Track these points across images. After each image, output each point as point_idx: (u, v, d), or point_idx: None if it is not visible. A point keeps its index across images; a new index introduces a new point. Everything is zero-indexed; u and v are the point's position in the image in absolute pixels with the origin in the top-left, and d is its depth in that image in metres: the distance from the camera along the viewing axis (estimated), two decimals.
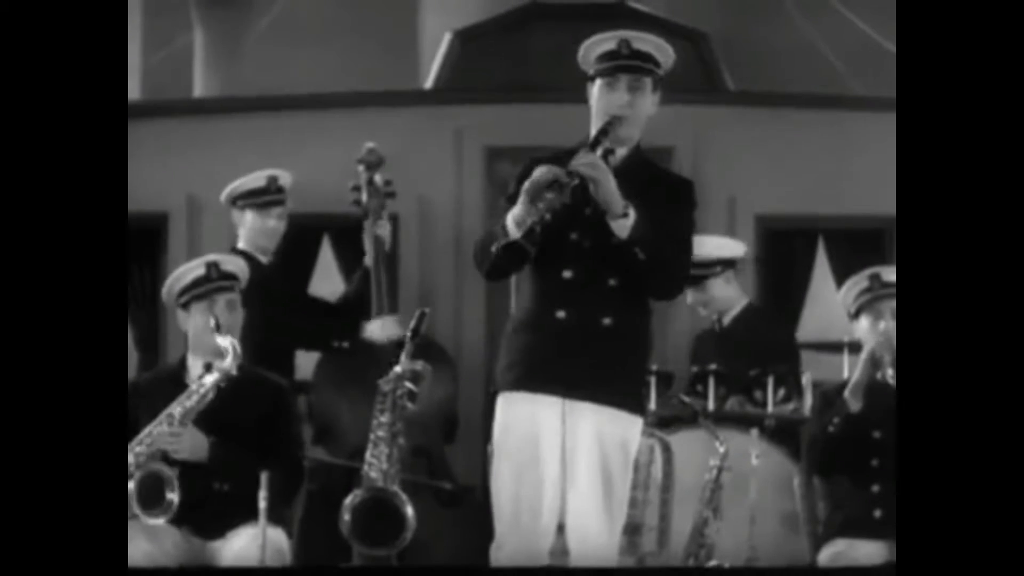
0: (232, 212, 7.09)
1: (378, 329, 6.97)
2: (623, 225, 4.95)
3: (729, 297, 7.30)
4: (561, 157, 5.10)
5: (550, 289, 5.03)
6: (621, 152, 5.12)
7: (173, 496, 5.44)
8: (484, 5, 9.18)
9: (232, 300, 5.85)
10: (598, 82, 5.14)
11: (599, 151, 5.01)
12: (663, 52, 5.17)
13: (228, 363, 5.62)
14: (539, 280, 5.10)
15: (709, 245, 7.15)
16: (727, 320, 7.30)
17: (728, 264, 7.27)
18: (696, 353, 7.36)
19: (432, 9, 11.89)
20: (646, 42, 5.16)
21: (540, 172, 4.90)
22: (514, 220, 4.92)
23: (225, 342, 5.63)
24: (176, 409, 5.58)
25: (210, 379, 5.63)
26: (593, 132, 5.08)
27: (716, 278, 7.24)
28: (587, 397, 5.03)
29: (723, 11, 11.67)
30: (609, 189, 4.93)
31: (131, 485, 5.42)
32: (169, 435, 5.54)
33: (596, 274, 5.04)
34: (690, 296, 7.19)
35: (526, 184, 4.90)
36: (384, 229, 7.13)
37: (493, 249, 4.97)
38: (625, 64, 5.11)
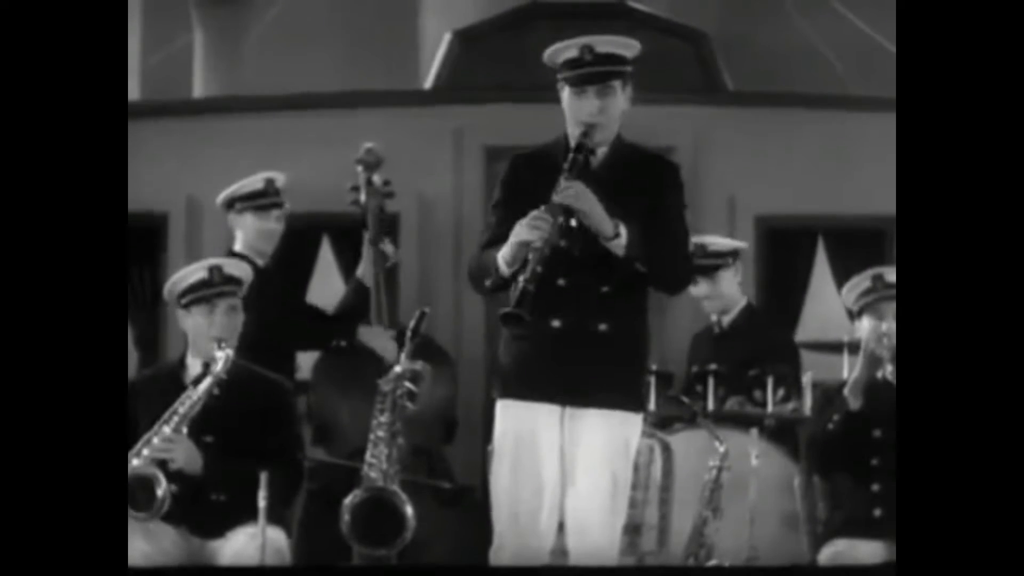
0: (228, 216, 7.07)
1: (371, 337, 6.96)
2: (618, 245, 4.96)
3: (734, 295, 7.28)
4: (543, 151, 5.12)
5: (544, 297, 5.02)
6: (602, 150, 5.11)
7: (162, 491, 5.44)
8: (484, 5, 9.18)
9: (233, 305, 5.85)
10: (567, 89, 5.12)
11: (580, 160, 4.99)
12: (628, 48, 5.13)
13: (219, 368, 5.62)
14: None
15: (721, 240, 7.18)
16: (727, 321, 7.29)
17: (736, 256, 7.25)
18: (693, 354, 7.35)
19: (432, 9, 11.87)
20: (609, 43, 5.12)
21: (524, 233, 4.90)
22: (505, 262, 4.96)
23: (220, 354, 5.63)
24: (169, 417, 5.57)
25: (202, 386, 5.62)
26: (570, 136, 5.07)
27: (727, 270, 7.21)
28: (586, 403, 5.04)
29: (723, 11, 11.66)
30: (596, 215, 4.95)
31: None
32: (164, 444, 5.54)
33: (588, 281, 5.04)
34: (701, 288, 7.17)
35: (513, 235, 4.90)
36: (390, 248, 7.13)
37: (489, 284, 5.02)
38: (590, 72, 5.08)
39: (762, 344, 7.15)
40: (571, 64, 5.10)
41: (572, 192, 4.93)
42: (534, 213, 4.92)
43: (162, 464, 5.51)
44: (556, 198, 4.92)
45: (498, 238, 5.03)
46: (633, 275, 5.01)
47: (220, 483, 5.61)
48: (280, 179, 7.05)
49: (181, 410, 5.59)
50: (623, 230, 4.95)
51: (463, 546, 6.75)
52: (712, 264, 7.14)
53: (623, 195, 5.00)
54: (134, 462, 5.49)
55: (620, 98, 5.12)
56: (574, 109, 5.10)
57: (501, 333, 5.21)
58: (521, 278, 4.89)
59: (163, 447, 5.52)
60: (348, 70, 11.84)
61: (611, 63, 5.09)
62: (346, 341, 7.00)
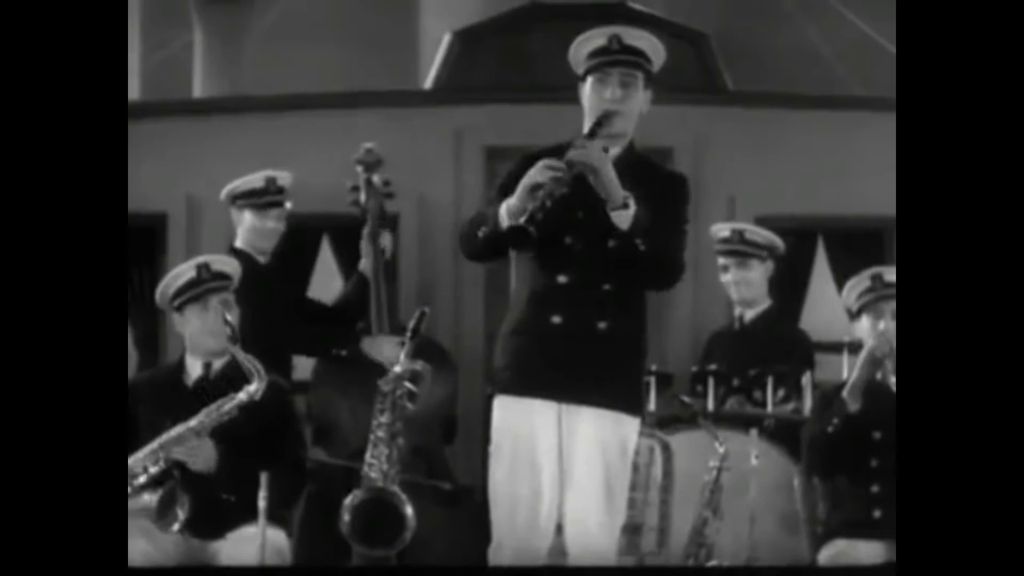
0: (231, 210, 7.08)
1: (375, 349, 6.94)
2: (624, 216, 4.93)
3: (762, 291, 7.25)
4: (555, 153, 5.10)
5: (545, 294, 5.02)
6: (615, 150, 5.10)
7: (182, 513, 5.47)
8: (484, 6, 9.19)
9: (226, 300, 5.86)
10: (590, 79, 5.12)
11: (599, 133, 5.00)
12: (654, 49, 5.16)
13: (255, 387, 5.60)
14: (534, 285, 5.08)
15: (764, 231, 7.17)
16: (749, 316, 7.25)
17: (773, 255, 7.23)
18: (710, 351, 7.32)
19: (432, 10, 11.90)
20: (637, 38, 5.14)
21: (538, 168, 4.90)
22: (508, 211, 4.90)
23: (250, 365, 5.60)
24: (196, 423, 5.58)
25: (236, 400, 5.62)
26: (587, 127, 5.07)
27: (760, 262, 7.20)
28: (584, 401, 5.03)
29: (723, 11, 11.69)
30: (609, 178, 4.92)
31: (150, 498, 5.48)
32: (187, 448, 5.55)
33: (591, 278, 5.03)
34: (730, 274, 7.16)
35: (525, 179, 4.90)
36: (386, 241, 7.11)
37: (481, 234, 4.96)
38: (617, 59, 5.10)
39: (781, 344, 7.13)
40: (598, 52, 5.11)
41: (588, 149, 4.93)
42: (546, 160, 4.91)
43: (180, 466, 5.53)
44: (572, 152, 4.91)
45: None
46: (630, 257, 4.97)
47: (227, 484, 5.61)
48: (284, 178, 7.03)
49: (208, 420, 5.59)
50: (632, 202, 4.94)
51: (463, 546, 6.75)
52: (744, 251, 7.13)
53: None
54: (151, 458, 5.52)
55: (640, 96, 5.12)
56: (595, 97, 5.09)
57: (499, 331, 5.21)
58: (531, 206, 4.87)
59: (185, 450, 5.54)
60: (348, 70, 11.85)
61: (637, 55, 5.11)
62: (346, 350, 6.99)
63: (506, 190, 5.02)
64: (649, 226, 4.94)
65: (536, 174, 4.89)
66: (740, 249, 7.15)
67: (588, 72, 5.12)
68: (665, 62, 5.22)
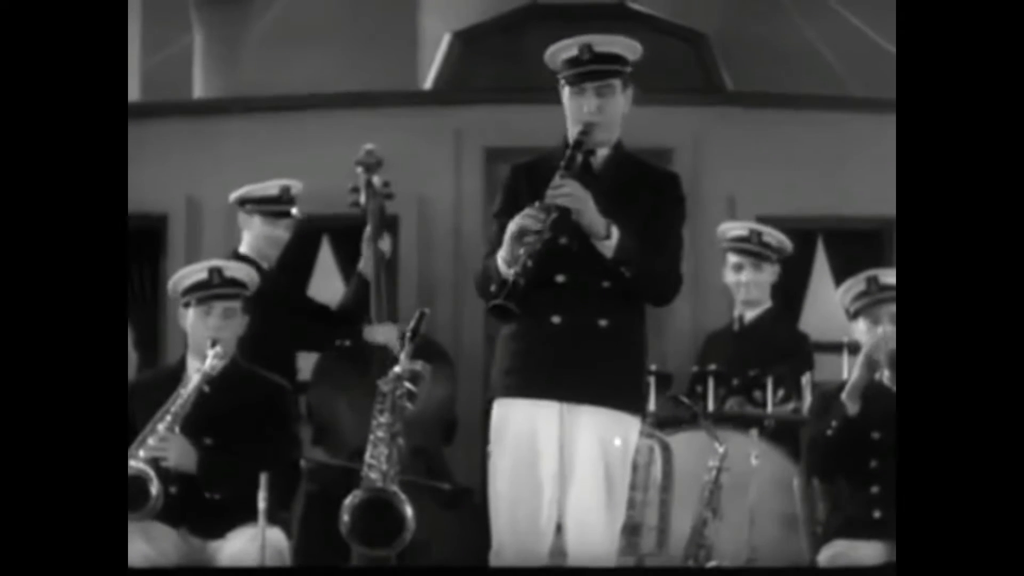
0: (239, 214, 7.06)
1: (378, 336, 6.96)
2: (607, 246, 4.95)
3: (766, 293, 7.24)
4: (544, 160, 5.10)
5: (544, 294, 5.02)
6: (603, 153, 5.11)
7: (155, 489, 5.43)
8: (484, 6, 9.18)
9: (230, 308, 5.82)
10: (567, 89, 5.12)
11: (579, 158, 4.99)
12: (630, 49, 5.13)
13: (208, 364, 5.61)
14: (532, 286, 5.09)
15: (778, 234, 7.17)
16: (749, 317, 7.25)
17: (781, 257, 7.23)
18: (708, 352, 7.32)
19: (431, 10, 11.88)
20: (609, 44, 5.12)
21: (517, 225, 4.90)
22: (504, 261, 4.95)
23: (210, 352, 5.62)
24: (163, 415, 5.57)
25: (192, 383, 5.62)
26: (570, 138, 5.06)
27: (771, 265, 7.20)
28: (585, 400, 5.03)
29: (723, 11, 11.67)
30: (589, 214, 4.94)
31: None
32: (157, 443, 5.53)
33: (589, 277, 5.03)
34: (744, 274, 7.15)
35: (507, 234, 4.91)
36: (386, 244, 7.12)
37: (493, 290, 4.98)
38: (589, 71, 5.08)
39: (781, 345, 7.13)
40: (570, 63, 5.10)
41: (565, 190, 4.93)
42: (528, 210, 4.92)
43: (155, 463, 5.51)
44: (549, 195, 4.92)
45: (500, 247, 5.02)
46: (626, 282, 5.00)
47: (217, 483, 5.61)
48: (296, 187, 7.05)
49: (173, 408, 5.59)
50: (614, 231, 4.95)
51: (462, 547, 6.75)
52: (761, 252, 7.13)
53: (621, 201, 5.00)
54: (132, 463, 5.49)
55: (620, 99, 5.11)
56: (573, 109, 5.10)
57: (499, 332, 5.21)
58: (512, 270, 4.89)
59: (156, 446, 5.52)
60: (348, 70, 11.84)
61: (610, 62, 5.09)
62: (350, 341, 7.00)
63: (506, 211, 5.05)
64: (637, 252, 4.95)
65: (516, 228, 4.90)
66: (757, 251, 7.15)
67: (563, 82, 5.12)
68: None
